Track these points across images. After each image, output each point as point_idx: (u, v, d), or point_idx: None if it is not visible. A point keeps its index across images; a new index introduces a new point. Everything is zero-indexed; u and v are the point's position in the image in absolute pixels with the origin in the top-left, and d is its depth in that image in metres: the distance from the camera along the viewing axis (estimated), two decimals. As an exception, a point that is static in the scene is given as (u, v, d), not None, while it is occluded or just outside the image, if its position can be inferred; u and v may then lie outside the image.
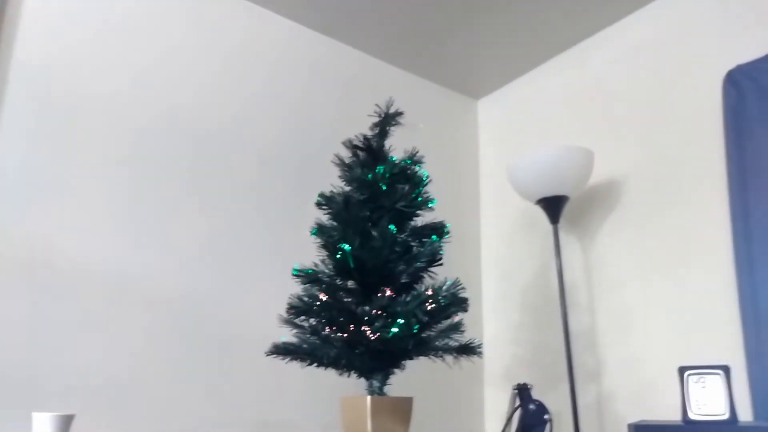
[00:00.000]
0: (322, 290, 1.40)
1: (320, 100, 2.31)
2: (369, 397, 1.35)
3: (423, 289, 1.38)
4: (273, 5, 2.22)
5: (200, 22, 2.07)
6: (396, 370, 1.46)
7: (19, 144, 1.65)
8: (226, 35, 2.12)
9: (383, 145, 1.54)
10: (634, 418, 1.89)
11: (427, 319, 1.35)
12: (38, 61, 1.73)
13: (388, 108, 1.55)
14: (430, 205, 1.50)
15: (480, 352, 1.46)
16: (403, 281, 1.45)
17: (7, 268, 1.57)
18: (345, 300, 1.42)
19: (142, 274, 1.77)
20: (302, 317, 1.43)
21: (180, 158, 1.93)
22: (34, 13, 1.74)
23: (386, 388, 1.43)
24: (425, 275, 1.48)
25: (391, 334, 1.31)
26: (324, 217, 1.49)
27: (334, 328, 1.37)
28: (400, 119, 1.55)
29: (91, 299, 1.67)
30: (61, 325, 1.61)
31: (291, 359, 1.42)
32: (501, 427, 2.36)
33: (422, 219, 1.51)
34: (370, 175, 1.46)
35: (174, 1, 2.03)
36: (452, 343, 1.42)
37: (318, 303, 1.37)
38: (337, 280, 1.45)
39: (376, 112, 1.55)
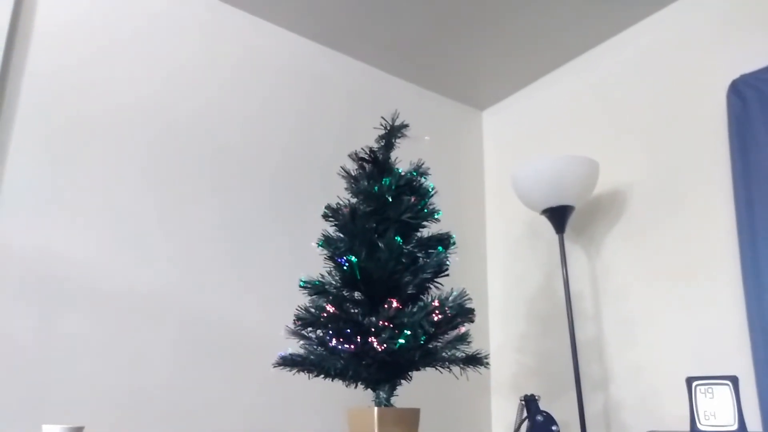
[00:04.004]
0: (328, 302, 1.41)
1: (326, 112, 2.33)
2: (376, 408, 1.35)
3: (429, 300, 1.38)
4: (279, 20, 2.24)
5: (208, 36, 2.10)
6: (403, 381, 1.46)
7: (30, 157, 1.67)
8: (234, 49, 2.15)
9: (389, 157, 1.55)
10: (642, 429, 1.88)
11: (433, 329, 1.35)
12: (49, 75, 1.75)
13: (393, 120, 1.57)
14: (435, 217, 1.51)
15: (487, 363, 1.46)
16: (409, 292, 1.46)
17: (17, 281, 1.58)
18: (352, 311, 1.42)
19: (150, 286, 1.78)
20: (309, 328, 1.43)
21: (189, 171, 1.94)
22: (45, 28, 1.77)
23: (393, 399, 1.44)
24: (431, 286, 1.49)
25: (397, 345, 1.32)
26: (331, 229, 1.50)
27: (341, 339, 1.37)
28: (406, 131, 1.56)
29: (100, 312, 1.68)
30: (70, 337, 1.63)
31: (298, 371, 1.43)
32: (508, 438, 2.35)
33: (428, 230, 1.52)
34: (376, 187, 1.47)
35: (183, 16, 2.06)
36: (459, 354, 1.43)
37: (325, 314, 1.38)
38: (344, 292, 1.46)
39: (381, 125, 1.57)
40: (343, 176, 1.56)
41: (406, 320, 1.34)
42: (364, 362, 1.38)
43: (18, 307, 1.57)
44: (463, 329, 1.44)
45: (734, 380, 1.29)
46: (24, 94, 1.70)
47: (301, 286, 1.45)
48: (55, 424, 1.30)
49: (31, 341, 1.57)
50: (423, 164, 1.53)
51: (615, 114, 2.22)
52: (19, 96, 1.69)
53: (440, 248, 1.47)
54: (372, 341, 1.32)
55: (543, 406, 2.21)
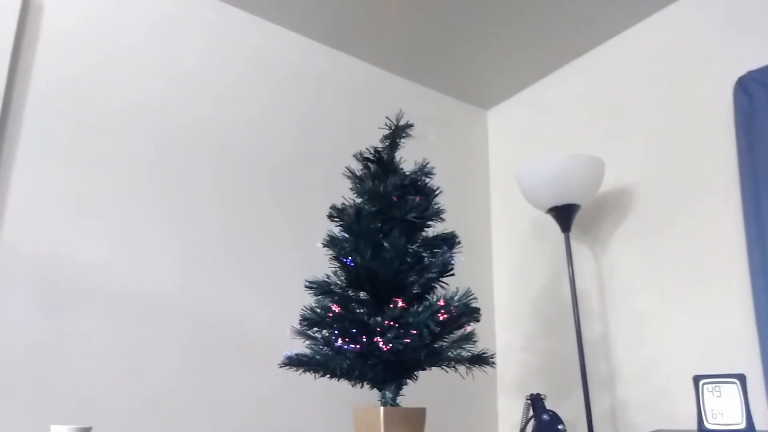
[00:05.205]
0: (334, 302, 1.41)
1: (331, 112, 2.33)
2: (382, 408, 1.35)
3: (435, 300, 1.38)
4: (284, 21, 2.25)
5: (213, 38, 2.10)
6: (409, 381, 1.46)
7: (38, 160, 1.68)
8: (239, 51, 2.15)
9: (394, 157, 1.55)
10: (649, 428, 1.87)
11: (439, 329, 1.35)
12: (56, 78, 1.76)
13: (398, 120, 1.57)
14: (440, 216, 1.50)
15: (493, 363, 1.46)
16: (414, 292, 1.46)
17: (26, 283, 1.59)
18: (357, 311, 1.42)
19: (157, 288, 1.79)
20: (315, 328, 1.43)
21: (196, 173, 1.95)
22: (53, 31, 1.78)
23: (399, 399, 1.44)
24: (437, 286, 1.48)
25: (403, 345, 1.32)
26: (336, 229, 1.51)
27: (346, 339, 1.37)
28: (411, 131, 1.56)
29: (109, 314, 1.69)
30: (79, 339, 1.63)
31: (304, 371, 1.43)
32: (515, 438, 2.34)
33: (433, 230, 1.52)
34: (381, 187, 1.47)
35: (188, 19, 2.06)
36: (465, 354, 1.42)
37: (330, 314, 1.38)
38: (349, 292, 1.46)
39: (386, 125, 1.57)
40: (347, 176, 1.56)
41: (411, 320, 1.34)
42: (369, 362, 1.38)
43: (27, 309, 1.58)
44: (468, 328, 1.44)
45: (742, 378, 1.28)
46: (31, 98, 1.71)
47: (306, 287, 1.45)
48: (64, 425, 1.30)
49: (40, 342, 1.58)
50: (428, 164, 1.53)
51: (620, 112, 2.21)
52: (26, 100, 1.70)
53: (445, 248, 1.47)
54: (378, 341, 1.32)
55: (549, 405, 2.20)
